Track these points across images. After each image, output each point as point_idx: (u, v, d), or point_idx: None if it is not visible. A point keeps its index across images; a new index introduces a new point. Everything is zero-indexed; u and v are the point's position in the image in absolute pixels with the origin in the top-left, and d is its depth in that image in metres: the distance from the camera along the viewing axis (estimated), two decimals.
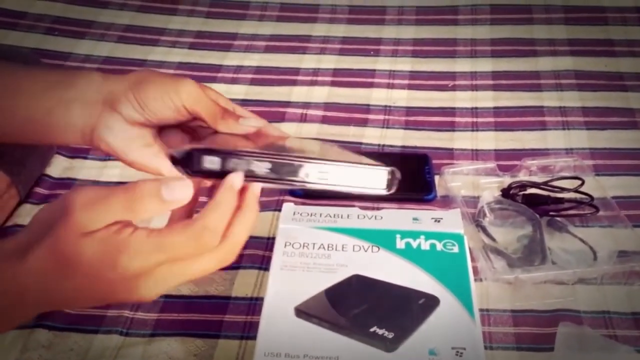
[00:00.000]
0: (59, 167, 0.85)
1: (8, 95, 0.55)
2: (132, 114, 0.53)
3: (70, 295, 0.44)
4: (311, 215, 0.72)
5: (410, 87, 1.00)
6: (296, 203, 0.75)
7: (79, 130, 0.54)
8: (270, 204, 0.81)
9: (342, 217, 0.71)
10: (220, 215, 0.44)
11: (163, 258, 0.43)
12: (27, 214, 0.79)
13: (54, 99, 0.54)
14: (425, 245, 0.68)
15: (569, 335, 0.64)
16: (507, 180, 0.81)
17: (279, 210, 0.79)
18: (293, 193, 0.82)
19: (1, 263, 0.43)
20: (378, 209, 0.76)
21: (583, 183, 0.78)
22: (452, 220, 0.71)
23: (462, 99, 0.98)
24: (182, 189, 0.44)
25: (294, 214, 0.71)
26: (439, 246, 0.68)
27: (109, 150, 0.54)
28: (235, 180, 0.45)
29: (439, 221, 0.70)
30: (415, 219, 0.72)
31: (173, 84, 0.53)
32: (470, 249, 0.70)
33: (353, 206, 0.75)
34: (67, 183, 0.84)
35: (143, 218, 0.44)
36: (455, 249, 0.68)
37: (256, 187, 0.46)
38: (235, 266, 0.73)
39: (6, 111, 0.55)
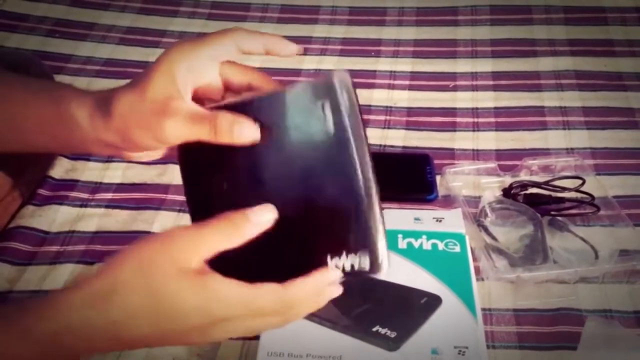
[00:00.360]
0: (61, 168, 0.86)
1: (18, 120, 0.54)
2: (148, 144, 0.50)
3: (145, 336, 0.45)
4: None
5: (411, 87, 1.00)
6: None
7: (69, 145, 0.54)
8: None
9: None
10: (309, 298, 0.45)
11: (247, 314, 0.44)
12: (30, 215, 0.79)
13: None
14: (427, 245, 0.69)
15: (596, 332, 0.63)
16: (508, 180, 0.81)
17: None
18: None
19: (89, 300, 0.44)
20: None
21: (584, 182, 0.78)
22: (453, 220, 0.72)
23: (462, 99, 0.98)
24: (264, 213, 0.46)
25: None
26: (441, 246, 0.68)
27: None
28: (333, 277, 0.45)
29: (440, 221, 0.70)
30: (416, 218, 0.72)
31: (155, 126, 0.47)
32: (472, 248, 0.71)
33: None
34: (70, 184, 0.84)
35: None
36: (457, 249, 0.68)
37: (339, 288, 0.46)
38: None
39: (20, 134, 0.55)
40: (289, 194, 0.46)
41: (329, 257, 0.44)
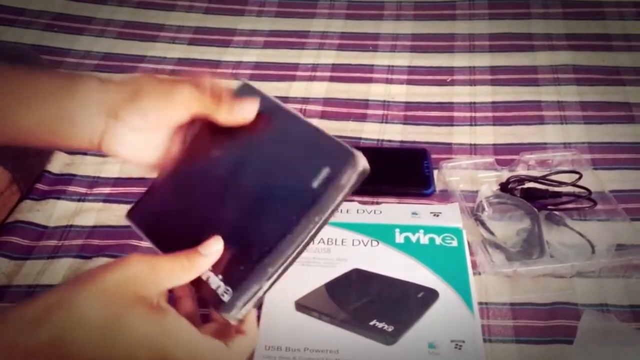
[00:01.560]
0: (59, 163, 0.86)
1: (9, 103, 0.54)
2: (137, 124, 0.53)
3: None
4: None
5: (409, 82, 1.00)
6: None
7: (86, 140, 0.54)
8: None
9: (341, 211, 0.72)
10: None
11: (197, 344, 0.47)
12: (28, 209, 0.79)
13: (56, 108, 0.54)
14: (424, 240, 0.69)
15: (592, 326, 0.63)
16: (505, 174, 0.81)
17: None
18: None
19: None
20: (377, 203, 0.77)
21: (581, 177, 0.79)
22: (450, 215, 0.72)
23: (460, 94, 0.98)
24: (214, 245, 0.49)
25: None
26: (438, 240, 0.68)
27: (122, 158, 0.55)
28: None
29: (437, 215, 0.71)
30: (414, 213, 0.72)
31: (167, 92, 0.52)
32: (469, 242, 0.71)
33: (352, 201, 0.75)
34: (67, 179, 0.84)
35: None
36: (454, 243, 0.69)
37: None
38: None
39: (9, 119, 0.54)
40: (231, 200, 0.50)
41: (210, 269, 0.48)
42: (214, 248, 0.48)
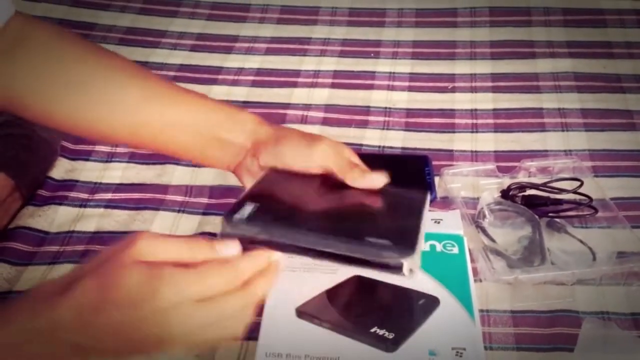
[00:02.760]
0: (61, 169, 0.86)
1: (177, 125, 0.62)
2: (268, 161, 0.60)
3: (100, 337, 0.44)
4: None
5: (410, 88, 1.01)
6: None
7: (224, 164, 0.64)
8: None
9: None
10: (253, 266, 0.48)
11: (197, 293, 0.45)
12: (30, 215, 0.79)
13: (214, 136, 0.62)
14: (425, 246, 0.69)
15: (593, 334, 0.63)
16: (506, 181, 0.82)
17: None
18: None
19: (40, 303, 0.44)
20: None
21: (582, 184, 0.79)
22: (451, 221, 0.72)
23: (461, 101, 0.98)
24: (233, 247, 0.49)
25: None
26: (439, 247, 0.68)
27: (241, 182, 0.64)
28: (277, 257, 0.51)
29: (438, 222, 0.71)
30: None
31: (308, 145, 0.59)
32: (469, 249, 0.71)
33: None
34: (69, 185, 0.84)
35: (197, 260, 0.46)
36: (455, 250, 0.68)
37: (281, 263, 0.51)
38: None
39: (174, 138, 0.63)
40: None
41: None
42: (229, 251, 0.48)
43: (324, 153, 0.58)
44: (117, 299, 0.43)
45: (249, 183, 0.61)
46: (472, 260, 0.71)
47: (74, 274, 0.45)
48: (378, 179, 0.59)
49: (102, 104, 0.61)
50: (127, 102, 0.61)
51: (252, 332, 0.67)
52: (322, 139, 0.60)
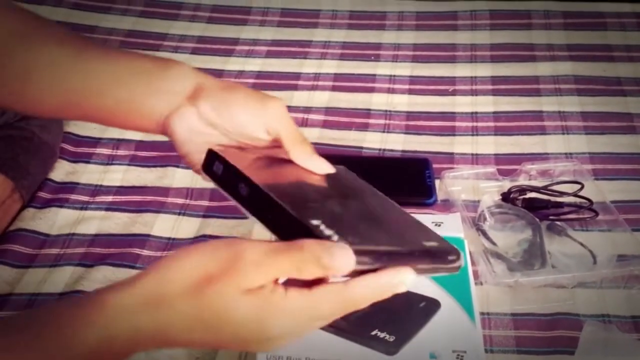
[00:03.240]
0: (61, 171, 0.86)
1: (97, 77, 0.54)
2: (208, 113, 0.52)
3: (202, 343, 0.43)
4: None
5: (411, 91, 1.01)
6: None
7: (156, 119, 0.54)
8: None
9: None
10: (372, 298, 0.44)
11: (308, 323, 0.43)
12: (30, 218, 0.79)
13: (143, 86, 0.54)
14: None
15: (593, 337, 0.63)
16: (507, 184, 0.82)
17: None
18: None
19: (136, 314, 0.42)
20: None
21: (582, 187, 0.79)
22: (452, 225, 0.72)
23: (462, 104, 0.98)
24: (343, 257, 0.41)
25: None
26: None
27: (172, 138, 0.54)
28: (407, 279, 0.44)
29: (439, 225, 0.71)
30: None
31: (262, 99, 0.52)
32: (470, 252, 0.71)
33: None
34: (70, 187, 0.84)
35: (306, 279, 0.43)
36: None
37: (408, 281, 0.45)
38: None
39: (93, 94, 0.54)
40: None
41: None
42: (344, 264, 0.41)
43: (277, 112, 0.52)
44: (227, 329, 0.42)
45: (182, 136, 0.53)
46: (473, 263, 0.71)
47: (161, 274, 0.42)
48: (325, 166, 0.51)
49: (32, 72, 0.55)
50: (57, 68, 0.55)
51: None
52: (277, 99, 0.53)
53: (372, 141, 0.92)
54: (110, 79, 0.54)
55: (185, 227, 0.80)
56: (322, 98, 0.99)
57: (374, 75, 1.04)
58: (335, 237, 0.42)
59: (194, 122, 0.53)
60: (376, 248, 0.44)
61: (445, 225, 0.72)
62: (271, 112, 0.52)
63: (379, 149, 0.91)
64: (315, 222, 0.43)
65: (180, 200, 0.83)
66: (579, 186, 0.79)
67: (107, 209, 0.82)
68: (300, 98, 0.99)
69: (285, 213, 0.44)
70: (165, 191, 0.84)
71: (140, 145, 0.90)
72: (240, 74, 1.04)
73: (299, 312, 0.42)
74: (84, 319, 0.42)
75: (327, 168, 0.51)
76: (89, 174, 0.86)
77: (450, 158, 0.89)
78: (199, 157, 0.52)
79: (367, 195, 0.53)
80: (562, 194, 0.79)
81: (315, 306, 0.42)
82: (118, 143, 0.91)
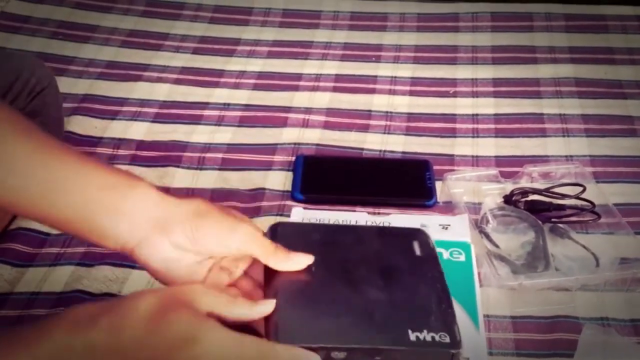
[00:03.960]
0: None
1: (59, 189, 0.52)
2: (182, 243, 0.52)
3: None
4: (319, 220, 0.72)
5: (412, 93, 1.01)
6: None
7: (119, 243, 0.52)
8: (272, 208, 0.81)
9: (350, 222, 0.71)
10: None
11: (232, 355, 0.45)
12: None
13: (104, 205, 0.52)
14: None
15: (592, 340, 0.63)
16: (508, 186, 0.81)
17: (281, 214, 0.80)
18: (295, 197, 0.82)
19: (81, 322, 0.44)
20: (386, 214, 0.77)
21: (584, 190, 0.79)
22: (459, 228, 0.71)
23: (463, 106, 0.98)
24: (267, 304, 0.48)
25: (303, 219, 0.71)
26: (446, 254, 0.68)
27: (146, 268, 0.53)
28: None
29: (446, 228, 0.70)
30: (422, 225, 0.72)
31: (231, 225, 0.52)
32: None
33: (361, 211, 0.75)
34: None
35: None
36: (462, 258, 0.68)
37: None
38: None
39: (55, 204, 0.52)
40: (372, 282, 0.51)
41: (409, 331, 0.47)
42: (265, 309, 0.48)
43: (247, 237, 0.52)
44: (159, 340, 0.43)
45: (157, 265, 0.52)
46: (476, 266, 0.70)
47: (119, 301, 0.45)
48: (302, 260, 0.52)
49: None
50: (12, 160, 0.52)
51: None
52: (246, 223, 0.53)
53: (373, 142, 0.92)
54: (68, 186, 0.52)
55: None
56: (323, 99, 0.99)
57: (375, 76, 1.04)
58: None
59: (168, 252, 0.52)
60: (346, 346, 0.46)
61: (452, 228, 0.71)
62: (241, 238, 0.52)
63: (380, 150, 0.91)
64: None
65: None
66: (580, 189, 0.79)
67: None
68: (301, 99, 0.99)
69: None
70: (165, 191, 0.83)
71: (141, 145, 0.90)
72: (242, 74, 1.04)
73: (224, 350, 0.44)
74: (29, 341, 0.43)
75: (306, 260, 0.52)
76: None
77: (450, 160, 0.89)
78: (181, 280, 0.53)
79: (404, 270, 0.53)
80: (564, 196, 0.79)
81: (238, 348, 0.45)
82: (119, 143, 0.90)
